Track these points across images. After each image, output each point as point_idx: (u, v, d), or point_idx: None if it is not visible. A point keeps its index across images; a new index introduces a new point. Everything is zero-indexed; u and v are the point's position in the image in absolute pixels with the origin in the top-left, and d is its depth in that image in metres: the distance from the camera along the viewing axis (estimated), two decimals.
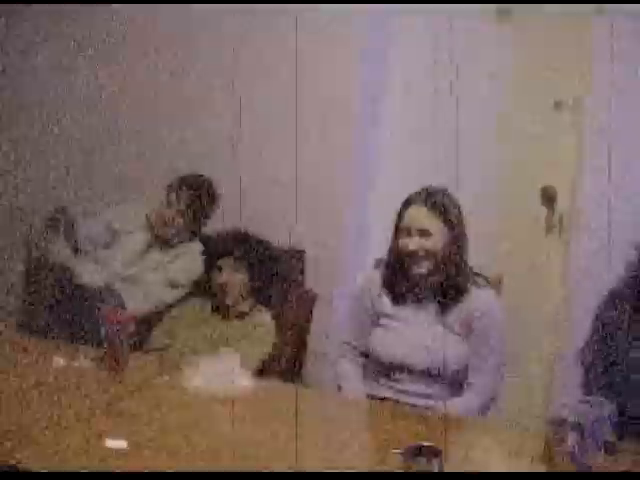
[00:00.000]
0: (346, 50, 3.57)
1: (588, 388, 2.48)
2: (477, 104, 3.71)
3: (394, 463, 1.85)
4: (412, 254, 2.61)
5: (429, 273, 2.62)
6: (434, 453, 1.77)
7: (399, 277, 2.69)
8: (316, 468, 1.92)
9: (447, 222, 2.62)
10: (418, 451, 1.78)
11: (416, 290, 2.67)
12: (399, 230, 2.66)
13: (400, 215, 2.67)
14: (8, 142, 4.08)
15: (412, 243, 2.61)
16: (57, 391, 2.28)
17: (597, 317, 2.57)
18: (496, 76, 3.74)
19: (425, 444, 1.80)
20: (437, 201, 2.63)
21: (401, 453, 1.78)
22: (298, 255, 3.42)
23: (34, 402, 2.17)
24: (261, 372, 2.82)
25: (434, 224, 2.61)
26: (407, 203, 2.66)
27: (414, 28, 3.69)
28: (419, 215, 2.62)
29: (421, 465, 1.75)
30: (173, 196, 3.36)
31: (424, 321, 2.65)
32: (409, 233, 2.62)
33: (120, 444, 1.94)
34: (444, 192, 2.68)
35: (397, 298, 2.70)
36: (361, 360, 2.77)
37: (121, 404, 2.23)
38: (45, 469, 1.78)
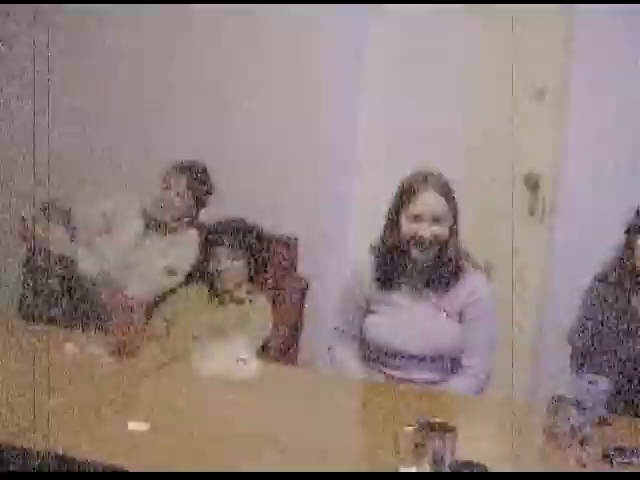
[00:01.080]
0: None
1: (579, 366, 2.59)
2: (460, 93, 3.81)
3: (403, 442, 1.93)
4: (420, 240, 2.61)
5: (431, 259, 2.64)
6: (447, 429, 1.86)
7: (395, 262, 2.69)
8: (329, 448, 2.01)
9: (452, 208, 2.64)
10: (431, 427, 1.86)
11: (411, 275, 2.69)
12: (406, 216, 2.63)
13: (408, 200, 2.63)
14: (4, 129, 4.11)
15: (422, 229, 2.59)
16: (73, 378, 2.34)
17: (586, 299, 2.67)
18: (477, 63, 3.83)
19: (437, 420, 1.89)
20: (445, 187, 2.63)
21: (415, 428, 1.86)
22: (292, 241, 3.49)
23: (52, 389, 2.22)
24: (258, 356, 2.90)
25: (445, 210, 2.62)
26: (415, 188, 2.62)
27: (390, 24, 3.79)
28: (432, 201, 2.60)
29: (435, 441, 1.83)
30: (172, 179, 3.39)
31: (419, 306, 2.68)
32: (420, 219, 2.61)
33: (142, 426, 2.01)
34: (443, 177, 2.67)
35: (391, 283, 2.71)
36: (355, 345, 2.78)
37: (137, 389, 2.30)
38: (77, 454, 1.84)
